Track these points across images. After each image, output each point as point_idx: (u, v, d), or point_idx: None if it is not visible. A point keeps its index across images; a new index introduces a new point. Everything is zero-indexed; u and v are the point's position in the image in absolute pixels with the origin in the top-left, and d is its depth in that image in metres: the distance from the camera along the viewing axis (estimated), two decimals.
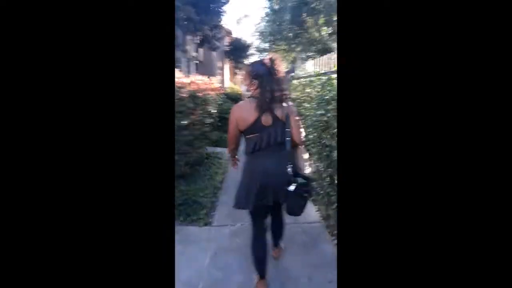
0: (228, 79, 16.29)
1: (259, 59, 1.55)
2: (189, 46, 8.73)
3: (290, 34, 12.72)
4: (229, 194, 2.66)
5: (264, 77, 1.40)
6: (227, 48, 14.42)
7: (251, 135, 1.43)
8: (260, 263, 1.62)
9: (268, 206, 1.48)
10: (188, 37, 8.49)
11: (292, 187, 1.39)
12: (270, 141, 1.42)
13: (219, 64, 13.89)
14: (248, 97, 1.48)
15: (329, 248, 2.13)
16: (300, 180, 1.42)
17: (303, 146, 1.56)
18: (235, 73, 15.76)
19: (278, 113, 1.41)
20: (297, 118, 1.48)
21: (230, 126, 1.46)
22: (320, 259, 2.00)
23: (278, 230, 1.84)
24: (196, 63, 11.14)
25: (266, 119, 1.40)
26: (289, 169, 1.40)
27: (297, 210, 1.47)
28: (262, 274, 1.64)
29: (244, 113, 1.41)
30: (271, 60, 1.41)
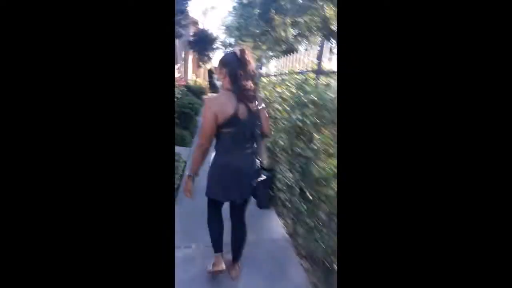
0: (190, 72, 15.56)
1: (228, 51, 1.56)
2: None
3: (257, 31, 12.45)
4: (184, 207, 2.23)
5: (236, 68, 1.38)
6: (191, 39, 13.72)
7: (227, 129, 1.40)
8: (218, 238, 1.64)
9: (233, 203, 1.54)
10: None
11: (261, 179, 1.46)
12: (246, 134, 1.43)
13: (181, 54, 13.11)
14: (221, 90, 1.47)
15: (298, 273, 1.84)
16: (266, 173, 1.50)
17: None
18: (198, 66, 15.08)
19: (251, 105, 1.41)
20: (265, 110, 1.53)
21: (206, 121, 1.39)
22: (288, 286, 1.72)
23: (239, 237, 1.70)
24: None
25: (243, 112, 1.39)
26: (257, 162, 1.48)
27: (266, 202, 1.53)
28: (220, 249, 1.65)
29: (223, 106, 1.37)
30: (242, 50, 1.40)
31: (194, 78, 14.83)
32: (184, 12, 7.88)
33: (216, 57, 15.64)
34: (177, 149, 3.99)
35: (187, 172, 1.52)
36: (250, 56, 1.42)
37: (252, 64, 1.43)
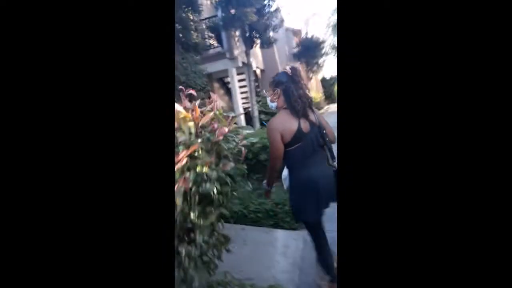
0: None
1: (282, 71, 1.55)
2: (237, 50, 6.51)
3: None
4: None
5: (288, 86, 1.43)
6: (295, 51, 12.08)
7: (294, 146, 1.41)
8: (332, 269, 1.59)
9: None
10: (234, 40, 6.30)
11: None
12: (314, 146, 1.44)
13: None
14: (278, 110, 1.52)
15: None
16: None
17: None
18: (309, 78, 13.18)
19: (311, 117, 1.46)
20: (323, 117, 1.58)
21: (274, 142, 1.41)
22: None
23: (328, 252, 1.62)
24: (255, 73, 8.88)
25: (305, 126, 1.42)
26: (332, 169, 1.50)
27: None
28: (334, 277, 1.58)
29: (286, 124, 1.40)
30: (293, 68, 1.47)
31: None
32: (268, 9, 6.03)
33: (327, 63, 13.43)
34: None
35: (264, 185, 1.63)
36: (301, 72, 1.50)
37: (304, 80, 1.49)
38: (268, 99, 1.55)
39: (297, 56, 11.95)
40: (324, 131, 1.47)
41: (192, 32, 4.15)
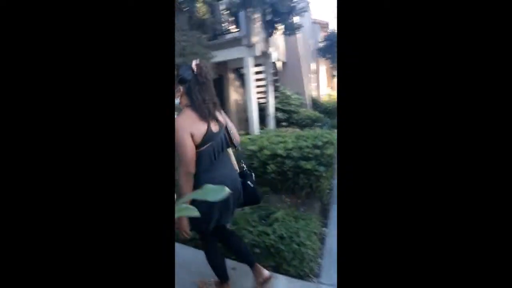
0: (325, 85, 12.77)
1: (186, 64, 1.46)
2: (256, 37, 5.63)
3: None
4: None
5: (191, 87, 1.36)
6: (321, 45, 11.13)
7: (205, 146, 1.36)
8: (223, 270, 1.63)
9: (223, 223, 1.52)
10: (254, 26, 5.43)
11: (250, 183, 1.56)
12: (222, 147, 1.43)
13: (310, 66, 10.55)
14: (182, 107, 1.45)
15: None
16: (247, 172, 1.58)
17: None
18: (333, 76, 12.18)
19: (219, 117, 1.44)
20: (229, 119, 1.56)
21: (184, 144, 1.30)
22: None
23: (239, 245, 1.70)
24: (274, 65, 7.98)
25: (214, 126, 1.40)
26: (235, 170, 1.56)
27: (260, 197, 1.63)
28: (227, 278, 1.65)
29: (195, 124, 1.34)
30: (198, 66, 1.37)
31: (330, 91, 11.94)
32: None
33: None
34: None
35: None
36: (208, 70, 1.40)
37: (209, 76, 1.40)
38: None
39: (322, 51, 10.99)
40: (231, 132, 1.49)
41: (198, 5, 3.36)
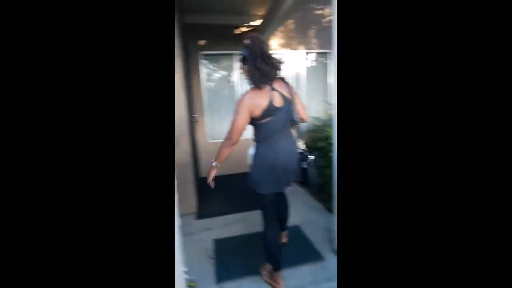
0: None
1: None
2: None
3: None
4: None
5: (248, 60, 1.38)
6: None
7: (266, 119, 1.40)
8: (278, 252, 1.62)
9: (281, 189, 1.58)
10: None
11: (307, 163, 1.53)
12: (284, 121, 1.44)
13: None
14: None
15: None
16: (309, 155, 1.55)
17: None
18: None
19: (285, 92, 1.44)
20: (299, 96, 1.55)
21: (240, 116, 1.37)
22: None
23: (285, 211, 1.86)
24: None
25: (278, 100, 1.40)
26: (299, 147, 1.55)
27: (309, 178, 1.55)
28: (279, 266, 1.65)
29: (257, 99, 1.38)
30: (250, 38, 1.39)
31: None
32: None
33: None
34: None
35: (212, 163, 1.50)
36: (261, 42, 1.38)
37: (263, 49, 1.37)
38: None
39: None
40: (295, 108, 1.46)
41: None
